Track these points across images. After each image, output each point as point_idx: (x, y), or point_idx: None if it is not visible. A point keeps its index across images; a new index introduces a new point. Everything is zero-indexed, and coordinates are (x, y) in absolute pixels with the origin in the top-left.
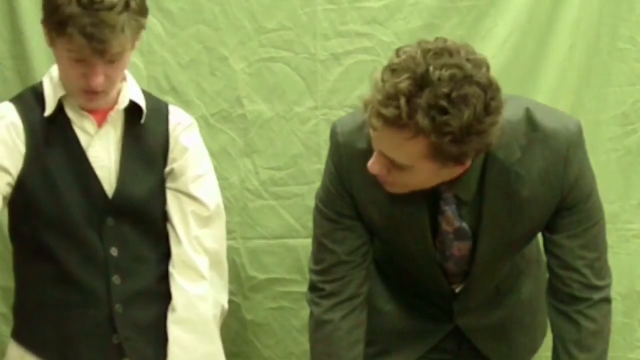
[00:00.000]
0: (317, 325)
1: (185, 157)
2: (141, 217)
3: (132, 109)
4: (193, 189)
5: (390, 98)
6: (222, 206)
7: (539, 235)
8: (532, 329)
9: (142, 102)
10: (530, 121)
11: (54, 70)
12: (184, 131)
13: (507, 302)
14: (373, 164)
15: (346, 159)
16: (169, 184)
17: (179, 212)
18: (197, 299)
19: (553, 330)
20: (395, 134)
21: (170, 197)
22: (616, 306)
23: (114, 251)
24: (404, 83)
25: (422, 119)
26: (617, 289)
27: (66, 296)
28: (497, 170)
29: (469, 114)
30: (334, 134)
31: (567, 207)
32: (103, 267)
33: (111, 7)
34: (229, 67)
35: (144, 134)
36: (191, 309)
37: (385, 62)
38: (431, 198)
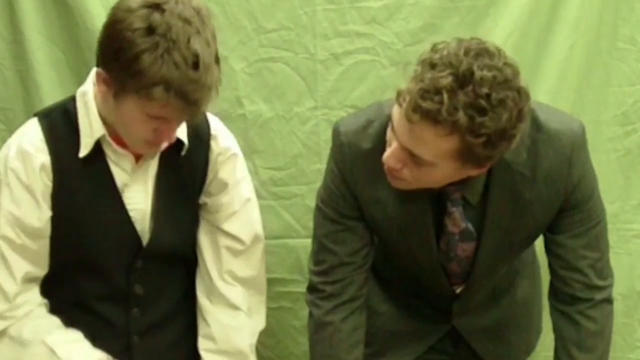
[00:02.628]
0: (317, 327)
1: (222, 194)
2: (173, 257)
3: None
4: (227, 227)
5: (431, 92)
6: (260, 233)
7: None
8: (527, 329)
9: (184, 133)
10: (534, 122)
11: (90, 98)
12: (224, 164)
13: (502, 303)
14: (389, 157)
15: (350, 160)
16: (202, 214)
17: (211, 246)
18: (233, 331)
19: (554, 331)
20: (429, 129)
21: (203, 226)
22: (616, 306)
23: (138, 289)
24: (446, 79)
25: (461, 117)
26: (617, 289)
27: (83, 323)
28: (503, 171)
29: (506, 117)
30: (337, 135)
31: (569, 208)
32: (124, 303)
33: (209, 67)
34: (229, 67)
35: (182, 166)
36: (227, 342)
37: (385, 62)
38: (436, 199)
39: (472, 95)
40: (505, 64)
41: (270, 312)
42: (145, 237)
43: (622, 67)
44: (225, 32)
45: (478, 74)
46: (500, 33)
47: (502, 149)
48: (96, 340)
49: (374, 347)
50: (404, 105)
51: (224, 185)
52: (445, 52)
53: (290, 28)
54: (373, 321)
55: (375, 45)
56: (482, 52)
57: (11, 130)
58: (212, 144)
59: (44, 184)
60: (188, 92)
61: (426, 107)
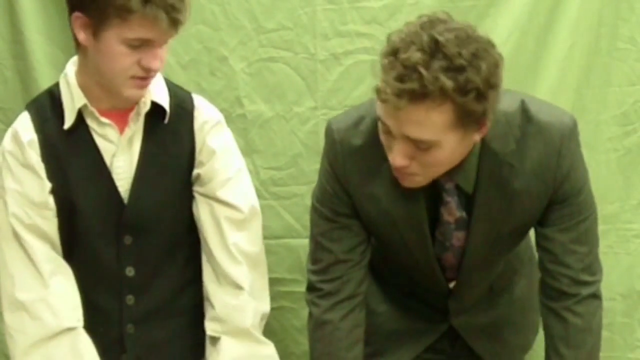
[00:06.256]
0: (316, 326)
1: (212, 160)
2: (160, 230)
3: (155, 108)
4: (224, 194)
5: (407, 72)
6: (257, 206)
7: (533, 235)
8: (523, 328)
9: (165, 101)
10: (525, 113)
11: (70, 75)
12: (211, 131)
13: (500, 302)
14: (395, 156)
15: (342, 156)
16: (197, 189)
17: (211, 220)
18: (235, 311)
19: (544, 329)
20: (420, 108)
21: (200, 203)
22: (616, 306)
23: (129, 271)
24: (415, 55)
25: (445, 81)
26: (617, 289)
27: None
28: (491, 161)
29: (485, 66)
30: (329, 132)
31: (558, 201)
32: (117, 288)
33: None
34: (229, 67)
35: (167, 136)
36: (232, 322)
37: None
38: (430, 191)
39: (445, 59)
40: (459, 25)
41: (271, 312)
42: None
43: (622, 67)
44: (225, 32)
45: (441, 39)
46: (500, 33)
47: (493, 100)
48: (89, 329)
49: (372, 347)
50: (387, 97)
51: (212, 152)
52: (402, 35)
53: (290, 28)
54: (372, 321)
55: (375, 45)
56: (435, 20)
57: None
58: (196, 114)
59: (36, 158)
60: None
61: (409, 87)
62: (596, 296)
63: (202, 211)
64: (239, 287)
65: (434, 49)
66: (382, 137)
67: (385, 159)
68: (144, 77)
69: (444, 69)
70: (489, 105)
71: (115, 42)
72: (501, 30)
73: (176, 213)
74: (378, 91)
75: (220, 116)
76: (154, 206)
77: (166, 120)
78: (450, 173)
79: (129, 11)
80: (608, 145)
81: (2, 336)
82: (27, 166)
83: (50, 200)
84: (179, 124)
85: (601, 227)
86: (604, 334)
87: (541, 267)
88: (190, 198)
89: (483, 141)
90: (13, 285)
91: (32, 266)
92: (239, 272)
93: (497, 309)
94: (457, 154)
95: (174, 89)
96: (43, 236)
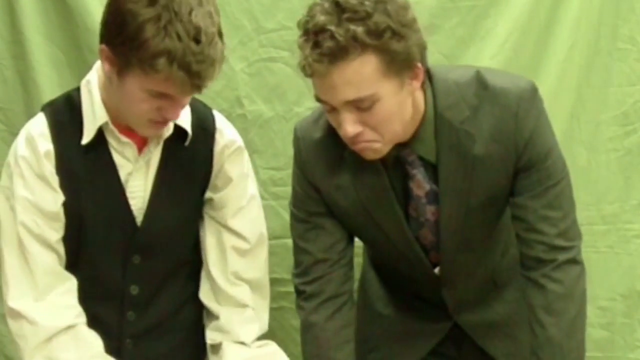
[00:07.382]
0: (304, 329)
1: (228, 188)
2: (168, 250)
3: (177, 130)
4: (234, 224)
5: (320, 36)
6: (265, 233)
7: None
8: None
9: (188, 123)
10: (480, 82)
11: (94, 85)
12: (230, 157)
13: (508, 298)
14: (346, 127)
15: (306, 152)
16: (208, 211)
17: (217, 246)
18: (241, 325)
19: (526, 302)
20: (343, 65)
21: (208, 226)
22: (616, 306)
23: (134, 289)
24: (321, 18)
25: (356, 29)
26: (617, 289)
27: None
28: (447, 130)
29: (391, 7)
30: (294, 132)
31: (525, 168)
32: (119, 304)
33: (212, 40)
34: (229, 67)
35: (186, 158)
36: (236, 335)
37: None
38: (395, 167)
39: (350, 12)
40: None
41: (270, 312)
42: (139, 229)
43: (622, 67)
44: (225, 32)
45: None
46: (500, 33)
47: (414, 39)
48: None
49: (381, 352)
50: (311, 68)
51: (229, 180)
52: (306, 12)
53: (290, 28)
54: (379, 325)
55: None
56: None
57: (11, 131)
58: (217, 136)
59: (50, 169)
60: (190, 64)
61: (325, 47)
62: (576, 262)
63: (209, 235)
64: (243, 305)
65: (337, 8)
66: (329, 118)
67: (345, 146)
68: (162, 123)
69: (352, 20)
70: (411, 44)
71: (137, 88)
72: (501, 30)
73: (186, 234)
74: (302, 68)
75: (240, 140)
76: (167, 228)
77: (187, 143)
78: (409, 144)
79: (153, 68)
80: (608, 145)
81: (2, 337)
82: (42, 177)
83: (62, 212)
84: (199, 145)
85: (601, 227)
86: (604, 334)
87: (518, 239)
88: (199, 218)
89: (436, 111)
90: (7, 293)
91: (30, 277)
92: (241, 292)
93: (505, 306)
94: (403, 106)
95: (195, 105)
96: (50, 247)
